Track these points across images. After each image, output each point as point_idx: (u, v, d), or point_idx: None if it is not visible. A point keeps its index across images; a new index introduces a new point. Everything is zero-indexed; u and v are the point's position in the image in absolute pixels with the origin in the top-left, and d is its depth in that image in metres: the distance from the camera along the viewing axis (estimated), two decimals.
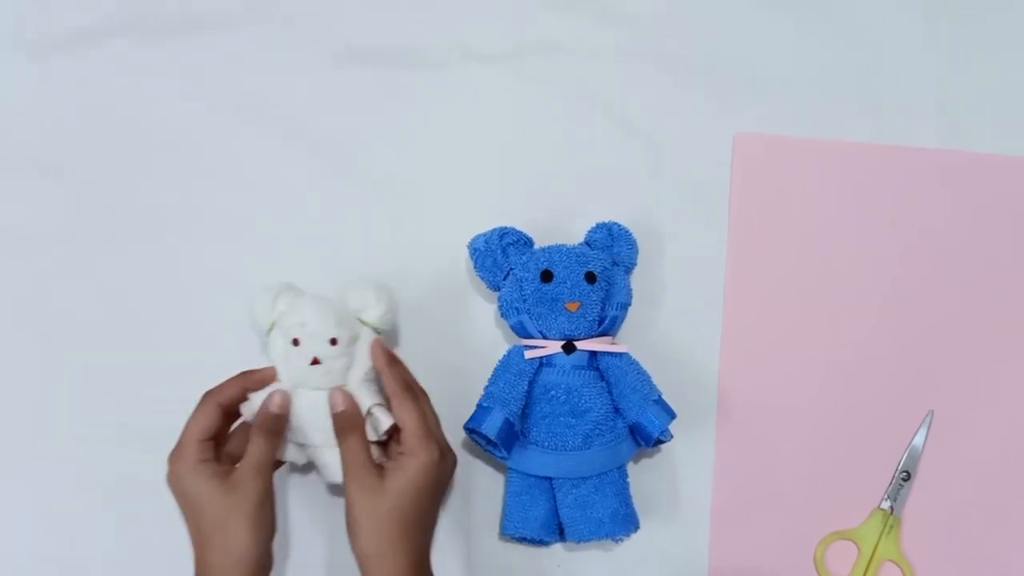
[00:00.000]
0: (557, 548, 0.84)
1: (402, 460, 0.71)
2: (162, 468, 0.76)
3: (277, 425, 0.71)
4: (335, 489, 0.81)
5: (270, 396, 0.72)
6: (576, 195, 0.89)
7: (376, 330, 0.77)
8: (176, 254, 0.88)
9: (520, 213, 0.85)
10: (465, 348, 0.86)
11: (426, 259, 0.86)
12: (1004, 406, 0.87)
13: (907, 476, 0.85)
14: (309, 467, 0.79)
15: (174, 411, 0.79)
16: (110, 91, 0.90)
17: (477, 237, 0.83)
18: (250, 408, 0.73)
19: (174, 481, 0.70)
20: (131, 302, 0.86)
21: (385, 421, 0.73)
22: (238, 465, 0.70)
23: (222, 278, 0.86)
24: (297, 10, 0.94)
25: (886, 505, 0.85)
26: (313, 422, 0.73)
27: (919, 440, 0.86)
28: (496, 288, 0.83)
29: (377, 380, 0.76)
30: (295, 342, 0.72)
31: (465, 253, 0.84)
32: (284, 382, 0.74)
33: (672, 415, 0.79)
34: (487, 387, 0.80)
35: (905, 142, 0.91)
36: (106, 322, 0.85)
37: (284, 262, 0.86)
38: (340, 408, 0.72)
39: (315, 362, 0.72)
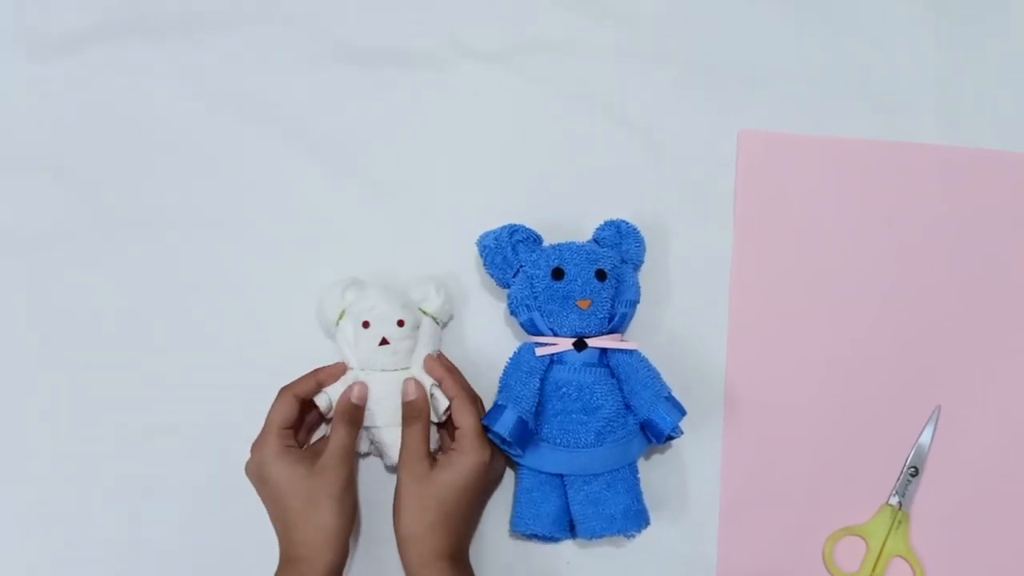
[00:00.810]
0: (567, 545, 0.84)
1: (454, 456, 0.75)
2: (163, 467, 0.80)
3: (357, 415, 0.77)
4: (393, 469, 0.81)
5: (350, 387, 0.78)
6: (579, 194, 0.89)
7: (435, 319, 0.81)
8: (176, 254, 0.87)
9: (523, 212, 0.85)
10: (472, 346, 0.86)
11: (430, 258, 0.86)
12: (1011, 401, 0.88)
13: (915, 471, 0.85)
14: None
15: (176, 409, 0.82)
16: (110, 91, 0.90)
17: (486, 234, 0.83)
18: (324, 400, 0.78)
19: (258, 467, 0.75)
20: (131, 301, 0.86)
21: (444, 401, 0.78)
22: (324, 452, 0.75)
23: (223, 277, 0.87)
24: (297, 10, 0.93)
25: (894, 501, 0.85)
26: (379, 403, 0.78)
27: (927, 435, 0.86)
28: (505, 285, 0.83)
29: None
30: (365, 325, 0.78)
31: (470, 252, 0.85)
32: (353, 367, 0.79)
33: (683, 412, 0.79)
34: (500, 385, 0.80)
35: (907, 138, 0.92)
36: (106, 321, 0.85)
37: (284, 261, 0.87)
38: (412, 396, 0.78)
39: (383, 342, 0.78)
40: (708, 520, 0.84)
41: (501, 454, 0.78)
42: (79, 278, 0.86)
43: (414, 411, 0.77)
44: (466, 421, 0.76)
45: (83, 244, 0.86)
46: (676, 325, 0.87)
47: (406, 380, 0.79)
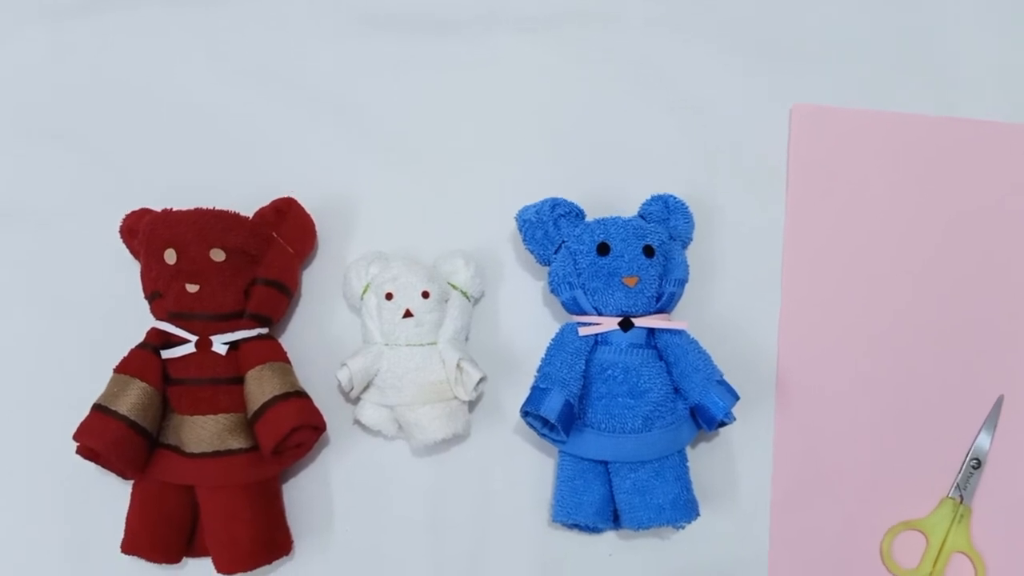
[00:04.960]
0: (609, 536, 0.80)
1: None
2: None
3: None
4: (425, 451, 0.79)
5: None
6: (621, 169, 0.85)
7: (465, 294, 0.78)
8: None
9: (562, 187, 0.81)
10: (506, 328, 0.83)
11: (463, 235, 0.83)
12: None
13: (977, 464, 0.81)
14: None
15: None
16: (126, 57, 0.87)
17: (527, 208, 0.79)
18: (345, 374, 0.75)
19: None
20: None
21: (474, 373, 0.74)
22: None
23: None
24: None
25: (955, 494, 0.81)
26: (404, 378, 0.75)
27: (989, 426, 0.81)
28: (546, 262, 0.79)
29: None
30: (388, 296, 0.75)
31: (505, 228, 0.82)
32: (377, 340, 0.76)
33: (736, 397, 0.75)
34: (541, 367, 0.75)
35: (966, 115, 0.87)
36: (120, 297, 0.80)
37: None
38: None
39: (407, 314, 0.75)
40: (759, 512, 0.81)
41: None
42: (91, 252, 0.82)
43: None
44: None
45: (96, 217, 0.82)
46: (725, 306, 0.83)
47: None
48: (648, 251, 0.75)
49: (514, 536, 0.79)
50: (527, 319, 0.82)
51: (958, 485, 0.81)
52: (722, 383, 0.75)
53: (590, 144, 0.86)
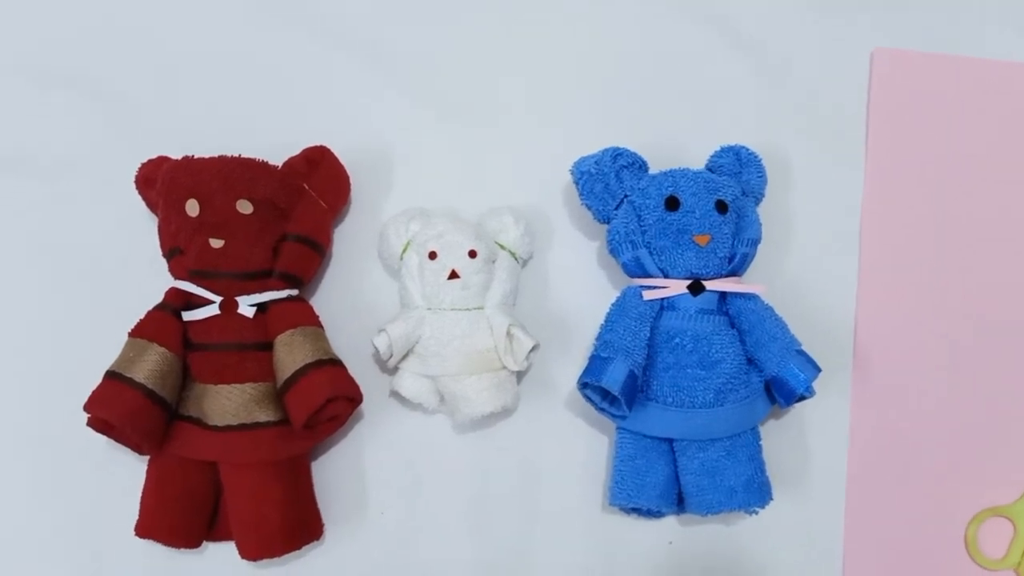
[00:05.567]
0: (669, 521, 0.75)
1: None
2: None
3: None
4: (469, 426, 0.74)
5: None
6: (684, 120, 0.80)
7: (513, 254, 0.73)
8: None
9: (619, 139, 0.74)
10: (557, 292, 0.78)
11: (510, 191, 0.78)
12: None
13: None
14: None
15: None
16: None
17: (584, 159, 0.73)
18: (383, 341, 0.70)
19: None
20: None
21: (526, 341, 0.70)
22: None
23: None
24: None
25: None
26: (448, 346, 0.70)
27: None
28: (605, 220, 0.73)
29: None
30: (432, 256, 0.70)
31: (556, 184, 0.77)
32: (419, 304, 0.71)
33: (817, 369, 0.69)
34: (601, 335, 0.70)
35: None
36: (135, 254, 0.76)
37: None
38: None
39: (453, 275, 0.70)
40: (833, 496, 0.76)
41: None
42: (107, 205, 0.77)
43: None
44: None
45: (114, 168, 0.76)
46: (798, 271, 0.78)
47: None
48: (721, 207, 0.69)
49: (565, 521, 0.75)
50: (579, 283, 0.78)
51: None
52: (802, 353, 0.69)
53: (648, 92, 0.80)
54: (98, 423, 0.67)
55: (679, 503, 0.72)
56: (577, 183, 0.72)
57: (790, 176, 0.79)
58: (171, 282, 0.70)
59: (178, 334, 0.68)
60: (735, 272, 0.71)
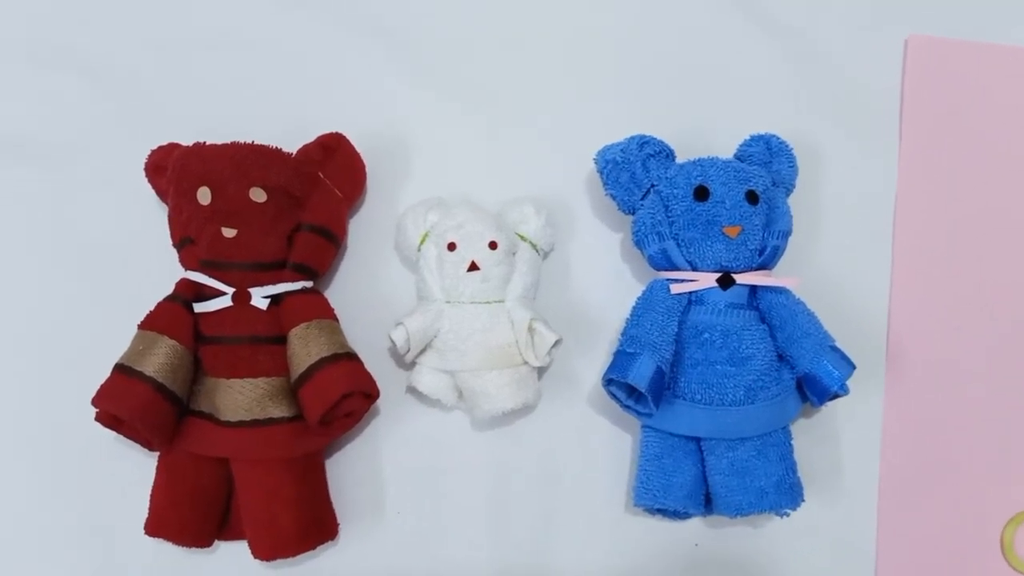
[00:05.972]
0: (695, 523, 0.74)
1: None
2: None
3: None
4: (488, 423, 0.73)
5: None
6: (711, 108, 0.78)
7: (534, 246, 0.72)
8: None
9: (644, 127, 0.73)
10: (578, 285, 0.76)
11: (531, 180, 0.76)
12: None
13: None
14: None
15: None
16: None
17: (609, 147, 0.71)
18: (401, 334, 0.69)
19: None
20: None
21: (549, 336, 0.69)
22: None
23: None
24: None
25: None
26: (468, 341, 0.68)
27: None
28: (630, 210, 0.71)
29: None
30: (451, 247, 0.69)
31: (579, 173, 0.76)
32: (437, 297, 0.70)
33: (852, 366, 0.68)
34: (626, 330, 0.68)
35: None
36: (145, 244, 0.74)
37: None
38: None
39: (473, 267, 0.68)
40: (865, 498, 0.75)
41: None
42: (110, 193, 0.76)
43: None
44: None
45: (118, 156, 0.75)
46: (829, 264, 0.77)
47: None
48: (752, 197, 0.67)
49: (586, 522, 0.73)
50: (602, 276, 0.76)
51: None
52: (836, 350, 0.68)
53: (675, 79, 0.79)
54: (107, 418, 0.65)
55: (706, 504, 0.70)
56: (601, 172, 0.71)
57: (821, 166, 0.77)
58: (182, 273, 0.69)
59: (189, 326, 0.67)
60: (765, 265, 0.69)
